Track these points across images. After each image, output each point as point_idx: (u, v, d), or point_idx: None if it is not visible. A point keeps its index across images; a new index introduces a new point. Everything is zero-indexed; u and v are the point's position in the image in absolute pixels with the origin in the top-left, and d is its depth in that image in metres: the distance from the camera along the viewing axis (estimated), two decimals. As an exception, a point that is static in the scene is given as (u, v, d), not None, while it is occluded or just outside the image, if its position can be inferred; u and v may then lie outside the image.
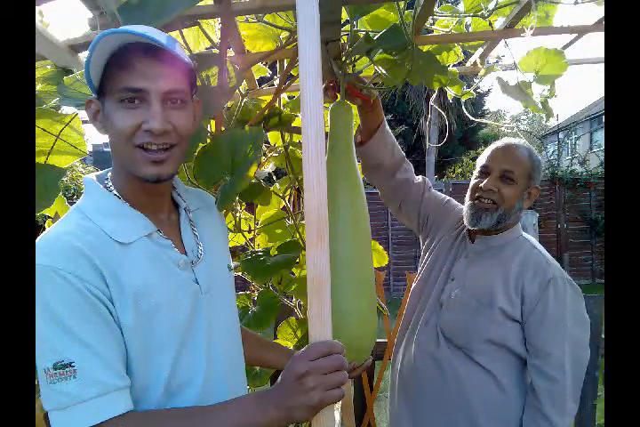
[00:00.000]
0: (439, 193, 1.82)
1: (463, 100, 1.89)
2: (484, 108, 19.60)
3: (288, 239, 1.75)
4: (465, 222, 1.58)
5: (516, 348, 1.46)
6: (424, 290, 1.65)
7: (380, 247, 1.86)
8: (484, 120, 2.05)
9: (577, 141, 18.65)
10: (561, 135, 18.40)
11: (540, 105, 1.70)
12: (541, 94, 1.72)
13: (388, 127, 1.67)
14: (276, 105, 1.62)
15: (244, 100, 1.53)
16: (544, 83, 1.72)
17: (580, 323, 1.44)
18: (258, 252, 1.67)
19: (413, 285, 1.72)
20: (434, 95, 2.37)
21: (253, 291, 1.84)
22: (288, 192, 1.87)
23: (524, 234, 1.61)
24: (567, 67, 1.65)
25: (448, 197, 1.81)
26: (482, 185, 1.52)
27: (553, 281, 1.43)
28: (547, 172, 10.79)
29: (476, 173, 1.61)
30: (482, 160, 1.59)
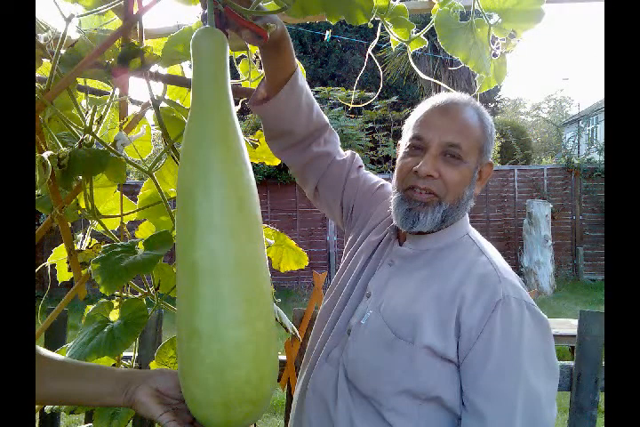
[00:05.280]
0: (373, 175, 1.34)
1: (410, 50, 1.41)
2: (500, 93, 18.87)
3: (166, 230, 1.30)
4: (395, 223, 1.10)
5: (451, 401, 0.97)
6: (335, 308, 1.17)
7: (293, 243, 1.37)
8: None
9: (595, 129, 17.94)
10: (581, 124, 17.80)
11: (486, 63, 1.22)
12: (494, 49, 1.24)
13: (304, 82, 1.20)
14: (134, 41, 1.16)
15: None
16: (514, 23, 1.24)
17: (543, 369, 0.95)
18: (117, 246, 1.23)
19: (324, 300, 1.24)
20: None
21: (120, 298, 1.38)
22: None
23: (472, 232, 1.13)
24: None
25: (383, 182, 1.32)
26: (417, 168, 1.04)
27: (503, 303, 0.95)
28: (562, 159, 10.24)
29: (403, 146, 1.11)
30: (412, 127, 1.10)
